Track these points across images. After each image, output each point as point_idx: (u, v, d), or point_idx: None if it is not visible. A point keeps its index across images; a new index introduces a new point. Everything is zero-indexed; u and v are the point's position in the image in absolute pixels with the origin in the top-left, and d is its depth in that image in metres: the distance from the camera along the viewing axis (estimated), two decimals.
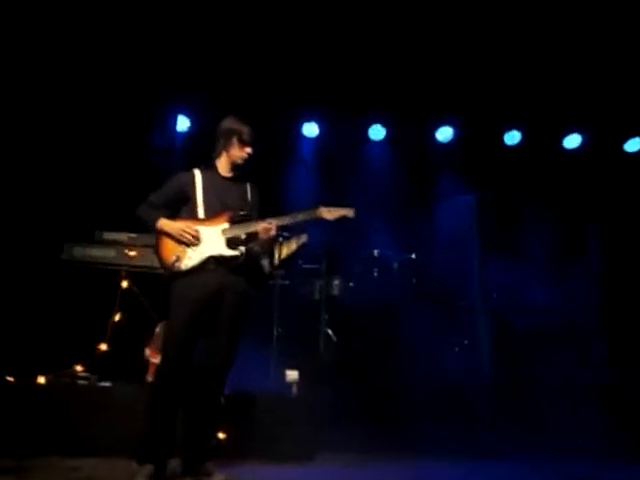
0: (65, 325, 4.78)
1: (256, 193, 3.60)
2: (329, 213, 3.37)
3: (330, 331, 5.33)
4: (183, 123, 6.67)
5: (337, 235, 5.57)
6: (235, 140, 3.41)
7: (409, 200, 6.37)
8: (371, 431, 4.33)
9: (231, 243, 3.33)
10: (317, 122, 6.95)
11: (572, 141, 7.07)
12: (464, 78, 6.40)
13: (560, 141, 7.07)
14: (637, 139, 7.04)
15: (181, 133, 6.65)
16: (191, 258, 3.27)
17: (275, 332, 5.16)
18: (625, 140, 7.05)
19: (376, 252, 5.73)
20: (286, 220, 3.37)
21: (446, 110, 6.82)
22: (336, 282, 5.58)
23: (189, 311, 3.20)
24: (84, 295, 4.77)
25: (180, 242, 3.28)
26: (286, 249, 5.37)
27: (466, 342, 5.51)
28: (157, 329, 4.24)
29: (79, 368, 4.15)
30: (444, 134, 7.03)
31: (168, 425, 3.17)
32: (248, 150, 3.44)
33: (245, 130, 3.41)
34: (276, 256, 5.29)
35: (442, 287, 5.69)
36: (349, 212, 3.41)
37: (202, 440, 3.32)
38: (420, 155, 6.85)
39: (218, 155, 3.49)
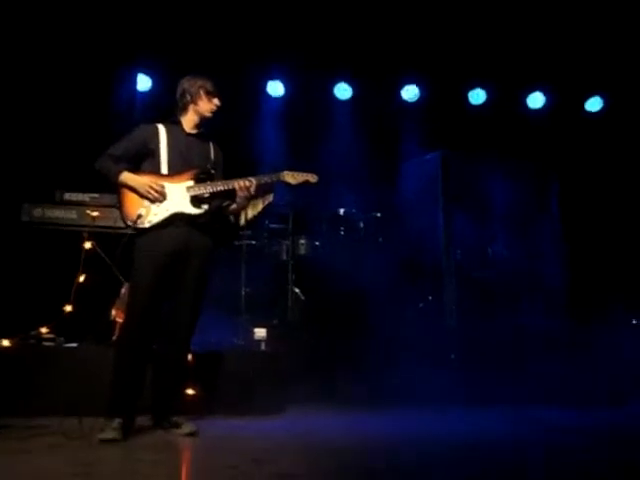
0: (29, 288, 4.70)
1: (219, 152, 3.57)
2: (292, 177, 3.41)
3: (297, 290, 5.38)
4: (144, 82, 6.52)
5: (303, 195, 5.58)
6: (202, 93, 3.37)
7: (375, 159, 6.38)
8: (339, 384, 4.45)
9: (195, 201, 3.31)
10: (282, 81, 6.87)
11: (535, 100, 7.16)
12: (430, 36, 6.38)
13: (524, 100, 7.15)
14: (597, 98, 7.17)
15: (142, 92, 6.50)
16: (156, 214, 3.24)
17: (243, 292, 5.18)
18: (586, 99, 7.18)
19: (342, 211, 5.77)
20: (252, 180, 3.37)
21: (411, 69, 6.82)
22: (302, 241, 5.62)
23: (153, 267, 3.19)
24: (47, 257, 4.69)
25: (144, 197, 3.23)
26: (252, 209, 5.31)
27: (430, 298, 5.63)
28: (123, 289, 4.21)
29: (44, 330, 4.10)
30: (410, 93, 7.03)
31: (135, 380, 3.19)
32: (216, 102, 3.41)
33: (210, 82, 3.39)
34: (242, 216, 5.28)
35: (407, 245, 5.77)
36: (312, 177, 3.45)
37: (171, 395, 3.37)
38: (386, 114, 6.85)
39: (183, 111, 3.43)
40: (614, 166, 6.80)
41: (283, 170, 3.44)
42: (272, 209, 5.37)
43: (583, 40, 6.39)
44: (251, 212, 5.31)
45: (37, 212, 4.43)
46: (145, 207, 3.24)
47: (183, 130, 3.43)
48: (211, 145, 3.53)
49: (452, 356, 4.72)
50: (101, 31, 5.86)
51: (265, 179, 3.43)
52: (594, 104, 7.20)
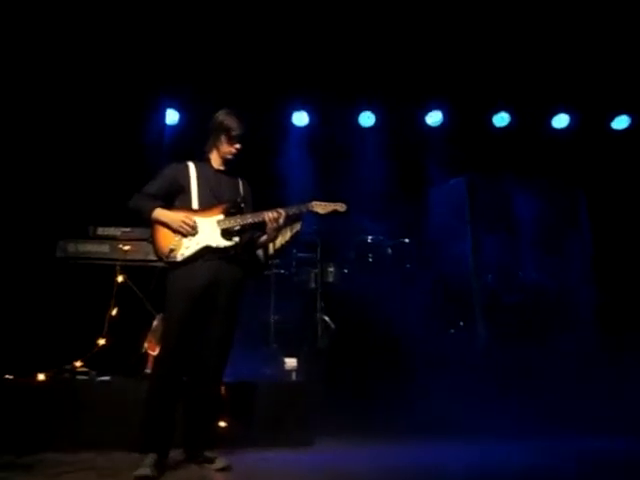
0: (63, 322, 4.79)
1: (248, 187, 3.65)
2: (321, 207, 3.46)
3: (327, 318, 5.36)
4: (172, 116, 6.66)
5: (331, 223, 5.59)
6: (223, 137, 3.44)
7: (401, 185, 6.39)
8: (370, 415, 4.38)
9: (226, 234, 3.37)
10: (307, 111, 6.96)
11: (560, 121, 7.12)
12: (452, 61, 6.41)
13: (548, 120, 7.11)
14: (623, 117, 7.10)
15: (170, 126, 6.64)
16: (188, 248, 3.31)
17: (272, 321, 5.18)
18: (612, 118, 7.12)
19: (369, 238, 5.77)
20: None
21: (435, 94, 6.85)
22: (331, 269, 5.62)
23: (186, 301, 3.23)
24: (80, 291, 4.78)
25: (177, 232, 3.31)
26: (280, 238, 5.37)
27: (461, 324, 5.55)
28: (155, 322, 4.26)
29: (78, 364, 4.16)
30: (434, 118, 7.05)
31: (168, 415, 3.20)
32: (237, 146, 3.46)
33: (234, 126, 3.42)
34: (270, 246, 5.31)
35: (436, 270, 5.73)
36: (341, 207, 3.49)
37: (203, 429, 3.37)
38: (410, 140, 6.87)
39: (210, 149, 3.53)
40: None
41: (311, 200, 3.47)
42: (300, 238, 5.41)
43: (606, 60, 6.35)
44: (279, 241, 5.35)
45: (71, 247, 4.53)
46: (177, 241, 3.31)
47: (212, 166, 3.52)
48: (240, 181, 3.61)
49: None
50: (131, 67, 6.02)
51: (294, 210, 3.48)
52: (620, 122, 7.12)
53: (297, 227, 5.28)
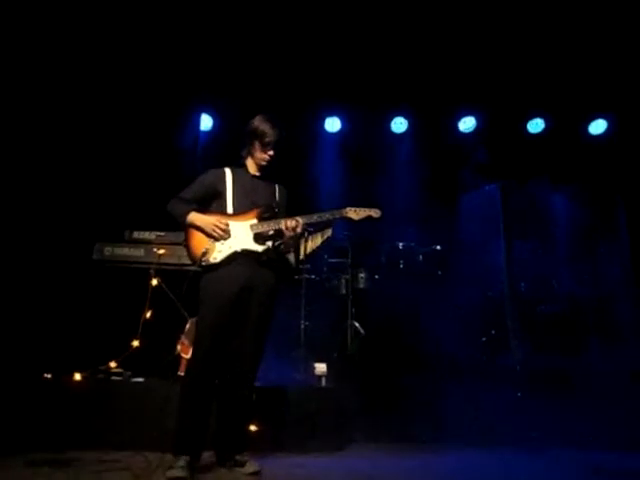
0: (98, 323, 4.89)
1: (284, 194, 3.66)
2: (355, 213, 3.45)
3: (357, 324, 5.36)
4: (206, 122, 6.76)
5: (362, 229, 5.59)
6: (257, 143, 3.47)
7: (433, 191, 6.36)
8: (399, 421, 4.36)
9: (258, 238, 3.40)
10: (339, 116, 6.99)
11: (597, 127, 7.00)
12: (485, 68, 6.37)
13: (584, 127, 7.00)
14: None
15: (204, 132, 6.73)
16: (220, 251, 3.35)
17: (302, 326, 5.21)
18: None
19: (401, 245, 5.74)
20: (313, 218, 3.45)
21: (468, 101, 6.80)
22: (362, 275, 5.62)
23: (219, 305, 3.27)
24: (116, 293, 4.87)
25: (210, 236, 3.36)
26: (311, 243, 5.37)
27: (493, 332, 5.48)
28: (187, 325, 4.32)
29: (113, 364, 4.25)
30: (467, 124, 7.01)
31: (201, 418, 3.24)
32: (270, 153, 3.48)
33: (268, 132, 3.44)
34: (302, 250, 5.34)
35: (468, 278, 5.67)
36: (375, 212, 3.47)
37: (234, 433, 3.40)
38: (443, 146, 6.84)
39: (246, 155, 3.56)
40: None
41: (345, 207, 3.48)
42: (331, 243, 5.43)
43: None
44: (310, 246, 5.37)
45: (107, 250, 4.63)
46: (210, 245, 3.35)
47: (248, 172, 3.55)
48: (276, 187, 3.63)
49: (519, 394, 4.54)
50: (168, 73, 6.12)
51: (327, 216, 3.48)
52: None
53: (328, 232, 5.28)
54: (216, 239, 3.35)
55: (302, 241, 5.26)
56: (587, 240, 6.00)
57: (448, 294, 5.53)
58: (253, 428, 3.80)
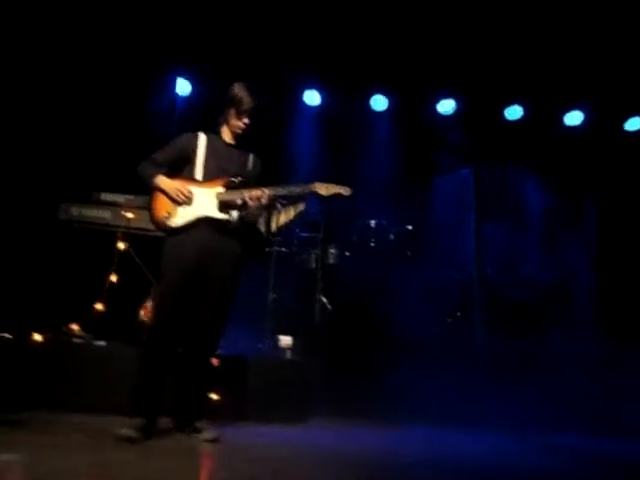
0: (62, 284, 4.79)
1: (259, 164, 3.59)
2: (325, 189, 3.37)
3: (325, 299, 5.37)
4: (185, 87, 6.62)
5: (335, 205, 5.57)
6: (233, 110, 3.40)
7: (408, 171, 6.36)
8: (362, 397, 4.41)
9: (223, 207, 3.34)
10: (319, 90, 6.91)
11: (573, 118, 7.06)
12: (468, 51, 6.35)
13: (561, 117, 7.06)
14: (637, 118, 7.03)
15: (183, 97, 6.60)
16: (182, 217, 3.31)
17: (270, 298, 5.20)
18: (626, 119, 7.06)
19: (373, 223, 5.75)
20: (279, 191, 3.37)
21: (449, 83, 6.79)
22: (332, 251, 5.61)
23: (179, 271, 3.23)
24: (81, 255, 4.78)
25: (173, 200, 3.31)
26: (283, 216, 5.34)
27: (459, 314, 5.56)
28: (153, 290, 4.27)
29: (75, 327, 4.18)
30: (446, 107, 7.00)
31: (157, 382, 3.22)
32: (245, 121, 3.41)
33: (245, 100, 3.37)
34: (273, 223, 5.30)
35: (438, 259, 5.72)
36: (345, 190, 3.39)
37: (193, 399, 3.39)
38: (421, 127, 6.83)
39: (222, 122, 3.49)
40: None
41: (314, 181, 3.42)
42: (304, 217, 5.41)
43: (625, 59, 6.28)
44: (283, 219, 5.36)
45: (74, 211, 4.54)
46: (172, 209, 3.31)
47: (222, 140, 3.49)
48: (251, 157, 3.56)
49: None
50: (143, 35, 5.96)
51: (295, 190, 3.43)
52: (634, 124, 7.06)
53: (301, 207, 5.27)
54: (179, 204, 3.31)
55: (274, 213, 5.27)
56: (555, 228, 6.10)
57: (417, 275, 5.57)
58: (215, 397, 3.81)
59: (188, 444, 3.17)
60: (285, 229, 5.42)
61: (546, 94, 6.80)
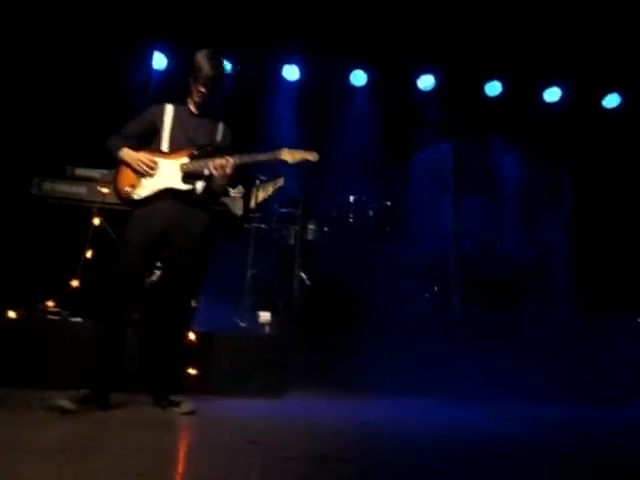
0: (37, 260, 4.74)
1: (228, 135, 3.52)
2: (291, 155, 3.33)
3: (304, 275, 5.38)
4: (160, 61, 6.50)
5: (314, 180, 5.57)
6: (194, 78, 3.35)
7: (388, 147, 6.35)
8: (339, 371, 4.44)
9: (188, 177, 3.29)
10: (298, 65, 6.83)
11: (552, 94, 7.09)
12: (448, 26, 6.31)
13: (540, 93, 7.08)
14: (615, 95, 7.08)
15: (159, 71, 6.49)
16: (144, 188, 3.27)
17: (249, 274, 5.19)
18: (603, 96, 7.10)
19: (352, 198, 5.74)
20: (245, 158, 3.32)
21: (429, 58, 6.75)
22: (311, 227, 5.60)
23: (140, 242, 3.20)
24: (56, 231, 4.72)
25: (137, 172, 3.27)
26: (262, 192, 5.34)
27: (436, 289, 5.60)
28: None
29: (50, 303, 4.14)
30: (425, 82, 6.98)
31: (110, 353, 3.19)
32: (202, 89, 3.36)
33: (204, 68, 3.31)
34: (252, 200, 5.28)
35: (416, 235, 5.74)
36: (312, 156, 3.37)
37: (168, 374, 3.38)
38: (400, 102, 6.80)
39: (188, 91, 3.44)
40: (628, 163, 6.73)
41: (282, 148, 3.37)
42: (282, 193, 5.39)
43: (603, 37, 6.29)
44: (261, 195, 5.35)
45: (47, 186, 4.46)
46: (136, 181, 3.28)
47: (190, 110, 3.44)
48: (220, 127, 3.50)
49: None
50: (118, 7, 5.83)
51: (261, 157, 3.37)
52: (612, 101, 7.11)
53: (280, 182, 5.28)
54: (142, 175, 3.27)
55: (253, 190, 5.25)
56: (533, 203, 6.16)
57: (395, 250, 5.59)
58: (192, 371, 3.81)
59: (164, 418, 3.17)
60: (264, 205, 5.40)
61: (525, 70, 6.81)
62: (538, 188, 6.29)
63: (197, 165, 3.29)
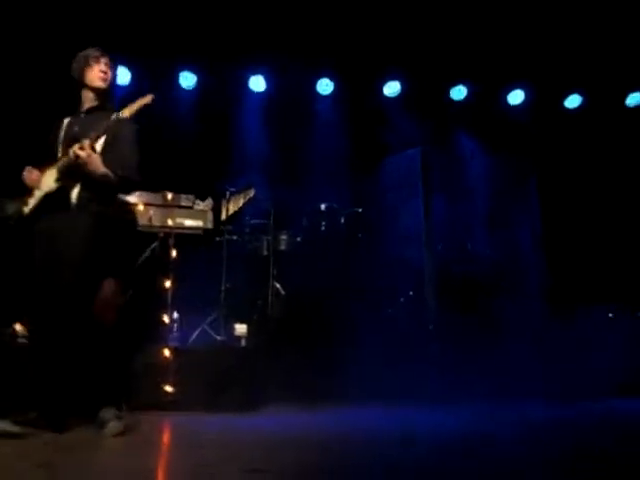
0: (4, 283, 4.63)
1: (124, 124, 3.16)
2: (128, 110, 3.09)
3: (278, 285, 5.36)
4: (124, 76, 6.44)
5: (285, 190, 5.58)
6: (86, 67, 3.20)
7: (356, 154, 6.39)
8: (316, 383, 4.41)
9: (59, 176, 3.10)
10: (264, 76, 6.84)
11: (515, 97, 7.23)
12: (412, 33, 6.39)
13: (504, 96, 7.22)
14: (576, 95, 7.25)
15: (121, 86, 6.42)
16: (31, 202, 3.16)
17: (223, 287, 5.16)
18: (565, 97, 7.27)
19: (323, 206, 5.74)
20: (94, 135, 3.06)
21: (394, 65, 6.83)
22: (283, 237, 5.58)
23: (36, 252, 3.11)
24: (23, 253, 4.62)
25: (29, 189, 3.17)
26: (233, 204, 5.35)
27: (411, 293, 5.63)
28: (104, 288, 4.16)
29: (18, 327, 4.05)
30: (391, 89, 7.05)
31: (41, 373, 3.05)
32: (104, 61, 3.21)
33: (91, 50, 3.23)
34: (223, 212, 5.26)
35: (388, 240, 5.77)
36: (147, 99, 3.13)
37: (92, 386, 3.14)
38: (367, 109, 6.86)
39: (78, 94, 3.28)
40: (592, 162, 6.89)
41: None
42: (253, 204, 5.38)
43: (562, 38, 6.44)
44: (232, 207, 5.35)
45: (10, 208, 4.33)
46: (28, 198, 3.18)
47: (80, 112, 3.28)
48: (113, 117, 3.11)
49: (433, 347, 4.72)
50: (78, 19, 5.74)
51: (105, 124, 3.09)
52: (573, 101, 7.28)
53: (250, 193, 5.29)
54: (31, 190, 3.15)
55: (223, 202, 5.24)
56: (502, 205, 6.25)
57: (368, 256, 5.61)
58: (169, 389, 3.77)
59: (90, 443, 2.91)
60: (235, 217, 5.39)
61: (489, 74, 6.93)
62: (506, 189, 6.38)
63: (65, 159, 3.09)
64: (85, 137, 3.05)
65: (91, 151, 3.03)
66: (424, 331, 5.18)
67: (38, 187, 3.14)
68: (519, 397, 4.45)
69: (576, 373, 4.74)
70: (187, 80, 6.64)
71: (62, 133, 3.25)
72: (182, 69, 6.58)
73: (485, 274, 5.74)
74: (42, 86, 5.56)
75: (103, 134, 3.10)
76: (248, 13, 6.10)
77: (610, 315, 5.64)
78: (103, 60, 3.23)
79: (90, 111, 3.26)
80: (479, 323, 5.08)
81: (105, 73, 3.23)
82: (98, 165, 3.06)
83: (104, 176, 3.09)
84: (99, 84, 3.23)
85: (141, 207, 4.64)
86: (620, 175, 6.92)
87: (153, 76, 6.32)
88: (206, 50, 6.23)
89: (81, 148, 2.99)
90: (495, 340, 4.84)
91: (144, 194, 4.72)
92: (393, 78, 7.03)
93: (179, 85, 6.63)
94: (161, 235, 4.80)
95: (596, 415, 4.25)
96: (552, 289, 5.94)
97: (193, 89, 6.65)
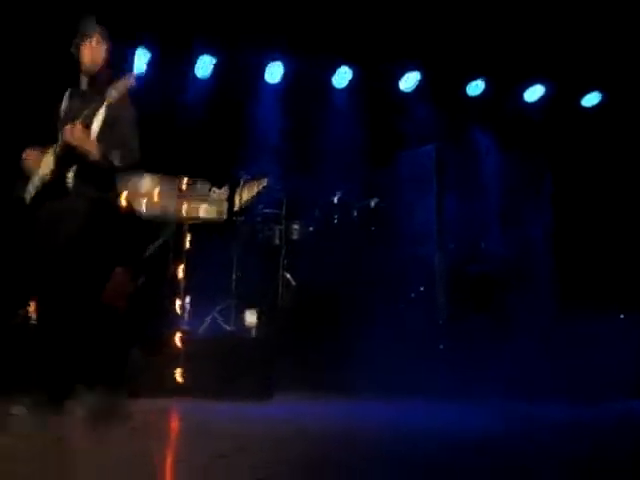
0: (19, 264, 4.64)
1: (121, 106, 3.09)
2: (117, 91, 3.01)
3: (289, 275, 5.36)
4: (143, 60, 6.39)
5: (298, 180, 5.56)
6: (77, 46, 3.15)
7: (371, 147, 6.35)
8: (327, 372, 4.43)
9: (58, 160, 3.04)
10: (281, 65, 6.79)
11: (533, 93, 7.15)
12: (431, 26, 6.33)
13: (521, 93, 7.15)
14: (595, 93, 7.17)
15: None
16: (31, 188, 3.11)
17: (234, 276, 5.16)
18: (584, 95, 7.19)
19: (336, 198, 5.73)
20: (83, 113, 3.03)
21: (411, 58, 6.77)
22: (296, 227, 5.58)
23: (35, 237, 3.08)
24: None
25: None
26: (247, 192, 5.33)
27: (422, 289, 5.62)
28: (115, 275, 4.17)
29: (32, 308, 4.07)
30: (408, 82, 6.99)
31: (44, 354, 3.04)
32: (94, 39, 3.12)
33: (82, 26, 3.15)
34: (236, 201, 5.25)
35: (400, 235, 5.76)
36: (132, 79, 3.08)
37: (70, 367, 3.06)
38: (383, 102, 6.81)
39: (79, 72, 3.22)
40: (608, 161, 6.82)
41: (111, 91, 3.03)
42: (266, 194, 5.37)
43: (583, 35, 6.36)
44: (246, 195, 5.33)
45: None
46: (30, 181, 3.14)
47: (80, 89, 3.24)
48: (107, 97, 3.05)
49: (441, 346, 4.71)
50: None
51: (92, 106, 3.05)
52: (591, 99, 7.20)
53: (263, 182, 5.27)
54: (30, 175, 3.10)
55: (237, 190, 5.23)
56: (516, 202, 6.21)
57: (380, 250, 5.60)
58: (179, 379, 3.79)
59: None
60: (248, 206, 5.38)
61: (506, 70, 6.86)
62: (519, 187, 6.34)
63: (61, 143, 3.01)
64: (78, 119, 3.01)
65: (82, 133, 2.98)
66: (434, 327, 5.17)
67: (37, 169, 3.08)
68: (529, 395, 4.43)
69: (586, 372, 4.72)
70: (204, 66, 6.59)
71: (63, 112, 3.22)
72: (200, 53, 6.55)
73: (498, 272, 5.71)
74: (55, 65, 5.52)
75: (94, 116, 3.04)
76: (268, 3, 6.06)
77: (621, 316, 5.60)
78: (93, 39, 3.13)
79: (84, 92, 3.22)
80: (490, 320, 5.07)
81: (93, 52, 3.14)
82: (91, 145, 3.00)
83: (101, 156, 3.02)
84: (91, 64, 3.16)
85: (156, 197, 4.60)
86: (635, 176, 6.85)
87: (170, 62, 6.30)
88: (224, 36, 6.19)
89: (71, 128, 2.96)
90: (506, 337, 4.83)
91: (159, 178, 4.65)
92: (410, 71, 6.96)
93: (195, 72, 6.60)
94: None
95: (611, 415, 4.22)
96: (564, 288, 5.90)
97: (210, 76, 6.61)
